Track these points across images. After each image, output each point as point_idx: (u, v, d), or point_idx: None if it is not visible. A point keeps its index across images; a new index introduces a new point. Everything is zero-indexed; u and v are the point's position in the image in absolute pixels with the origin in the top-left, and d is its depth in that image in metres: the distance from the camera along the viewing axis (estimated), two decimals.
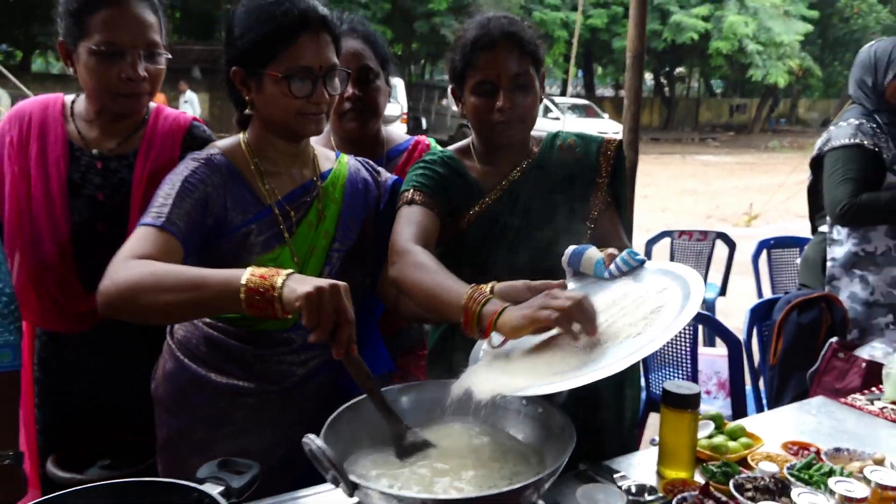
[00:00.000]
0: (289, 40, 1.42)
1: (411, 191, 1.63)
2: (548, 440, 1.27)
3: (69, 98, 1.78)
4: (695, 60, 28.37)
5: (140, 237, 1.36)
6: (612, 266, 1.42)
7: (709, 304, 4.53)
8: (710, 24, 23.04)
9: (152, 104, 1.81)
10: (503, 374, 1.22)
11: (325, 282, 1.17)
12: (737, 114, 33.93)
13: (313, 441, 1.09)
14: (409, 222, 1.56)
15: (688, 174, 16.48)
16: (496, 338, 1.29)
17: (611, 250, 1.44)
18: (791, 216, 10.70)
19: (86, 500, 1.04)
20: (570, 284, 1.42)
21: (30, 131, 1.70)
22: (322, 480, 1.23)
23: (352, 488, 1.07)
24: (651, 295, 1.29)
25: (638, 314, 1.26)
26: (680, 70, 31.59)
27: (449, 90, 1.74)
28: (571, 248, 1.43)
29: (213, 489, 1.05)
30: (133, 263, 1.30)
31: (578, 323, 1.20)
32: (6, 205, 1.70)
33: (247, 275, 1.21)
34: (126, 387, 1.79)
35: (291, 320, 1.50)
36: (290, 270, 1.22)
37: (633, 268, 1.42)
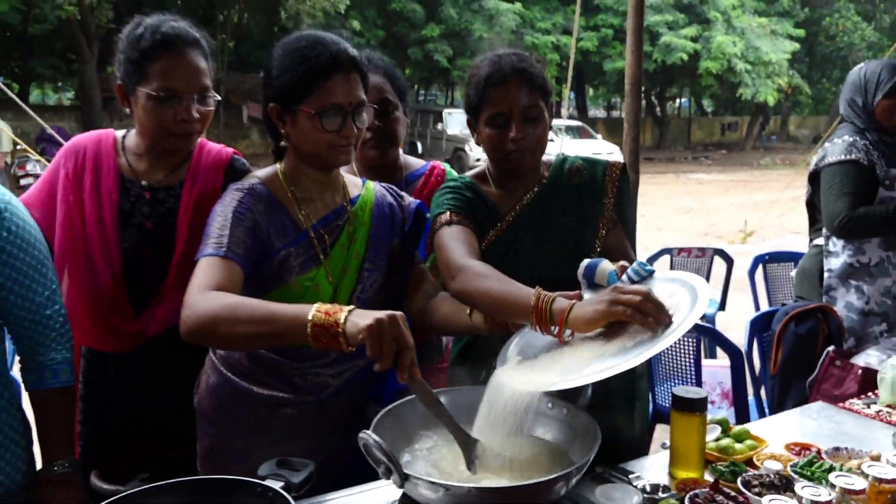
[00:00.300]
0: (321, 80, 1.56)
1: (448, 213, 1.75)
2: (574, 439, 1.37)
3: (120, 133, 1.91)
4: (685, 80, 28.76)
5: (207, 267, 1.48)
6: (624, 276, 1.54)
7: (709, 319, 4.64)
8: (699, 44, 23.42)
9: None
10: (534, 373, 1.33)
11: (383, 314, 1.27)
12: (728, 132, 34.29)
13: (370, 436, 1.19)
14: (455, 240, 1.69)
15: (682, 192, 16.68)
16: (566, 333, 1.40)
17: (622, 262, 1.57)
18: (786, 232, 10.86)
19: (158, 499, 1.14)
20: (586, 295, 1.54)
21: (84, 164, 1.83)
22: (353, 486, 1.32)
23: (403, 479, 1.17)
24: (662, 299, 1.40)
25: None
26: (671, 90, 31.98)
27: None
28: (586, 261, 1.56)
29: (276, 484, 1.15)
30: (210, 296, 1.41)
31: (649, 315, 1.31)
32: (57, 232, 1.82)
33: (313, 311, 1.31)
34: (164, 404, 1.89)
35: None
36: (353, 307, 1.32)
37: (644, 277, 1.54)
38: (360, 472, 1.57)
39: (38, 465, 1.62)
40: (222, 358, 1.70)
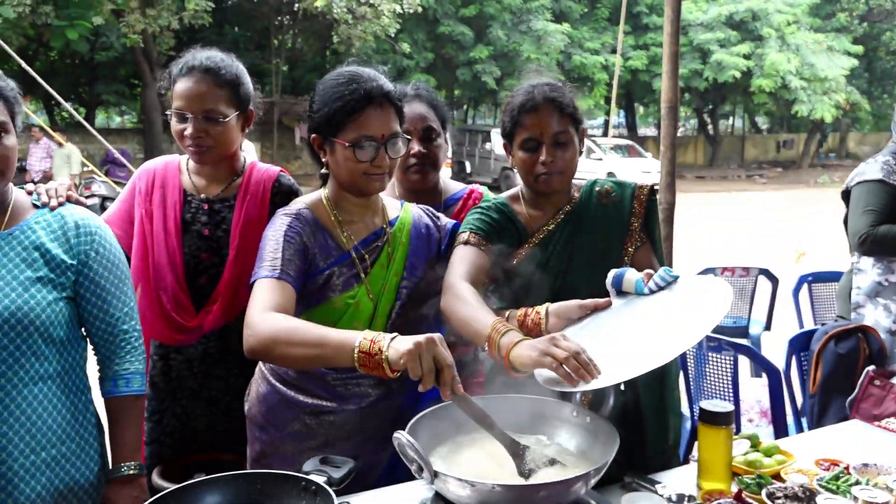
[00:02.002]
0: (355, 114, 1.69)
1: (467, 233, 1.87)
2: (594, 445, 1.45)
3: (184, 157, 2.16)
4: (738, 98, 28.32)
5: (265, 289, 1.62)
6: (650, 283, 1.63)
7: (754, 340, 4.61)
8: (752, 61, 23.08)
9: (248, 159, 2.17)
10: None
11: (422, 337, 1.38)
12: (784, 149, 33.51)
13: (403, 435, 1.30)
14: (461, 261, 1.81)
15: (734, 212, 16.39)
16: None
17: (648, 270, 1.66)
18: (843, 252, 10.57)
19: (215, 489, 1.27)
20: (616, 302, 1.63)
21: (154, 182, 2.11)
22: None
23: (433, 476, 1.27)
24: (687, 301, 1.47)
25: (676, 318, 1.45)
26: (724, 108, 31.50)
27: (501, 145, 1.99)
28: (613, 271, 1.65)
29: (319, 478, 1.27)
30: (269, 318, 1.54)
31: (573, 371, 1.42)
32: (135, 241, 2.07)
33: (360, 339, 1.43)
34: (215, 408, 2.10)
35: None
36: (395, 335, 1.43)
37: (669, 283, 1.62)
38: (399, 475, 1.68)
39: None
40: (271, 369, 1.83)
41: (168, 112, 2.03)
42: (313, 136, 1.77)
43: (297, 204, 1.81)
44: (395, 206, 1.93)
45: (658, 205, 3.09)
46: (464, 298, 1.67)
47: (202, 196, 2.10)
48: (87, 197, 12.71)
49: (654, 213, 1.96)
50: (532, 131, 1.85)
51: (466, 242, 1.85)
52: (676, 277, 1.63)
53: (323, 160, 1.78)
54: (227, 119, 2.01)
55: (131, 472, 1.66)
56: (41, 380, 1.56)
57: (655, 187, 2.01)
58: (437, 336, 1.40)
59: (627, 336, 1.43)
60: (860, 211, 2.81)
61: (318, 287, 1.73)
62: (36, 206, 1.67)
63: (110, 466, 1.69)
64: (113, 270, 1.69)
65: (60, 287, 1.60)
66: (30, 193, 1.70)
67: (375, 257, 1.80)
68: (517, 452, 1.44)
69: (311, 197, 1.85)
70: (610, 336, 1.48)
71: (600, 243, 1.91)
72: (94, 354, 1.74)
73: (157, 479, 1.95)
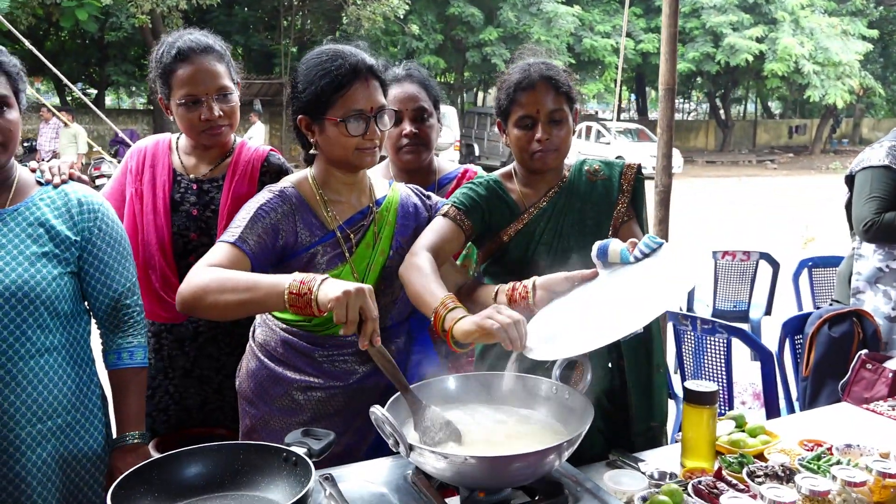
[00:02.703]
0: (343, 89, 1.69)
1: (449, 206, 1.89)
2: (570, 419, 1.48)
3: (175, 136, 2.16)
4: (750, 82, 28.06)
5: (216, 251, 1.65)
6: (635, 251, 1.64)
7: (754, 324, 4.62)
8: (765, 45, 22.82)
9: (238, 138, 2.17)
10: (550, 343, 1.48)
11: (352, 285, 1.41)
12: (797, 135, 33.21)
13: (379, 410, 1.33)
14: (433, 231, 1.83)
15: (744, 197, 16.30)
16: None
17: (632, 240, 1.68)
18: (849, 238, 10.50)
19: (198, 458, 1.30)
20: (602, 272, 1.64)
21: (144, 161, 2.11)
22: None
23: (408, 449, 1.29)
24: (669, 267, 1.52)
25: (658, 285, 1.48)
26: (736, 92, 31.20)
27: (495, 124, 1.99)
28: (598, 243, 1.66)
29: (300, 450, 1.30)
30: (204, 270, 1.58)
31: (510, 337, 1.44)
32: (125, 220, 2.09)
33: (290, 280, 1.48)
34: (206, 385, 2.14)
35: None
36: (326, 276, 1.47)
37: (654, 249, 1.64)
38: (387, 451, 1.71)
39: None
40: (260, 345, 1.86)
41: (166, 100, 2.01)
42: (300, 117, 1.77)
43: (284, 182, 1.82)
44: (384, 186, 1.94)
45: (655, 188, 3.12)
46: (421, 268, 1.69)
47: (191, 176, 2.10)
48: (96, 177, 12.84)
49: (640, 191, 1.99)
50: (528, 109, 1.86)
51: (445, 215, 1.87)
52: (661, 244, 1.65)
53: (311, 140, 1.78)
54: (235, 93, 2.02)
55: (135, 440, 1.72)
56: (46, 351, 1.60)
57: (643, 167, 2.03)
58: (367, 287, 1.42)
59: (610, 305, 1.45)
60: (865, 197, 2.79)
61: (302, 265, 1.74)
62: (40, 184, 1.70)
63: (115, 436, 1.74)
64: (115, 246, 1.73)
65: (65, 262, 1.63)
66: (33, 171, 1.73)
67: (361, 237, 1.81)
68: (417, 409, 1.49)
69: (297, 175, 1.86)
70: (594, 305, 1.50)
71: (590, 220, 1.93)
72: (98, 328, 1.78)
73: (151, 450, 1.98)
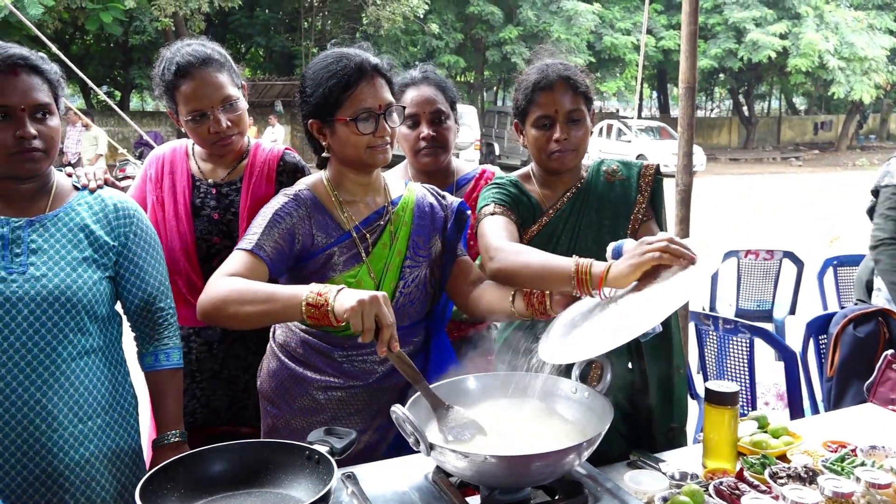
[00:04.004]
0: (350, 89, 1.70)
1: (491, 205, 1.89)
2: (590, 419, 1.48)
3: (190, 142, 2.18)
4: (774, 78, 27.71)
5: (233, 259, 1.67)
6: None
7: (778, 323, 4.57)
8: (788, 41, 22.52)
9: (253, 140, 2.18)
10: (568, 345, 1.47)
11: (366, 294, 1.42)
12: (822, 131, 32.72)
13: (400, 409, 1.35)
14: (495, 227, 1.82)
15: (768, 195, 16.11)
16: (607, 291, 1.51)
17: (647, 238, 1.65)
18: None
19: (223, 456, 1.34)
20: None
21: (163, 168, 2.14)
22: None
23: (429, 448, 1.31)
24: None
25: (672, 284, 1.46)
26: (759, 88, 30.81)
27: (512, 125, 2.00)
28: (612, 244, 1.65)
29: (322, 448, 1.33)
30: (223, 280, 1.59)
31: (676, 254, 1.42)
32: None
33: (307, 292, 1.48)
34: (234, 387, 2.16)
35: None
36: (342, 287, 1.48)
37: None
38: (407, 451, 1.72)
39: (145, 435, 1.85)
40: (280, 346, 1.88)
41: (175, 115, 2.02)
42: (311, 121, 1.78)
43: (299, 185, 1.83)
44: (399, 186, 1.94)
45: (676, 186, 3.10)
46: (525, 251, 1.67)
47: (209, 181, 2.12)
48: (121, 179, 13.04)
49: (659, 192, 1.98)
50: (546, 109, 1.86)
51: (493, 213, 1.87)
52: None
53: (323, 144, 1.80)
54: (240, 99, 2.03)
55: (176, 439, 1.75)
56: (87, 354, 1.64)
57: (665, 165, 2.02)
58: (382, 294, 1.43)
59: (626, 305, 1.44)
60: (884, 214, 2.81)
61: (319, 266, 1.76)
62: (76, 189, 1.73)
63: (155, 436, 1.78)
64: (149, 250, 1.77)
65: (103, 267, 1.67)
66: (69, 175, 1.77)
67: (377, 237, 1.82)
68: (440, 410, 1.49)
69: (312, 178, 1.87)
70: (610, 306, 1.49)
71: (608, 221, 1.93)
72: (132, 331, 1.81)
73: None
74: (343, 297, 1.44)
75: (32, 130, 1.55)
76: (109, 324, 1.72)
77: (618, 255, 1.65)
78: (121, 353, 1.77)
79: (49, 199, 1.67)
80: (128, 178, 11.42)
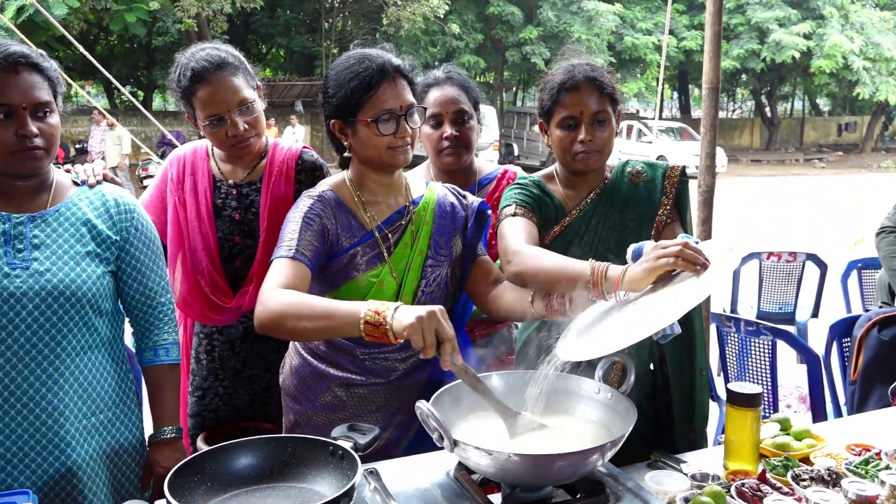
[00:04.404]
0: (372, 90, 1.71)
1: (513, 206, 1.89)
2: (614, 420, 1.48)
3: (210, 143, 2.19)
4: (797, 79, 27.39)
5: (279, 268, 1.67)
6: None
7: (801, 326, 4.53)
8: (812, 41, 22.25)
9: (271, 140, 2.20)
10: (584, 343, 1.48)
11: (424, 310, 1.42)
12: (846, 133, 32.27)
13: (425, 405, 1.35)
14: (515, 229, 1.83)
15: (791, 197, 15.93)
16: (621, 294, 1.52)
17: (666, 241, 1.64)
18: None
19: (248, 450, 1.36)
20: None
21: (184, 169, 2.16)
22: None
23: (453, 444, 1.32)
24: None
25: (691, 284, 1.45)
26: (782, 89, 30.46)
27: (537, 125, 2.00)
28: (632, 246, 1.65)
29: (346, 444, 1.35)
30: (279, 294, 1.59)
31: (689, 259, 1.42)
32: (169, 226, 2.13)
33: (365, 309, 1.48)
34: (256, 385, 2.20)
35: None
36: (399, 304, 1.48)
37: None
38: (428, 447, 1.74)
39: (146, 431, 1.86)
40: (303, 343, 1.89)
41: (193, 119, 2.04)
42: (333, 121, 1.79)
43: (322, 186, 1.85)
44: (420, 186, 1.95)
45: (698, 188, 3.09)
46: (541, 255, 1.68)
47: (230, 182, 2.13)
48: (144, 178, 13.21)
49: (684, 193, 1.96)
50: (572, 110, 1.86)
51: (514, 215, 1.87)
52: (696, 244, 1.63)
53: (345, 144, 1.81)
54: (256, 101, 2.04)
55: (172, 435, 1.76)
56: (91, 349, 1.65)
57: (686, 167, 2.01)
58: (439, 309, 1.43)
59: (644, 305, 1.44)
60: None
61: (343, 266, 1.77)
62: (76, 184, 1.73)
63: (152, 431, 1.79)
64: (150, 246, 1.78)
65: (106, 261, 1.68)
66: (68, 172, 1.77)
67: (399, 237, 1.83)
68: (509, 418, 1.50)
69: (335, 178, 1.89)
70: (629, 306, 1.49)
71: (631, 222, 1.92)
72: (132, 326, 1.83)
73: (200, 444, 2.05)
74: (401, 315, 1.44)
75: (34, 129, 1.56)
76: (113, 319, 1.73)
77: (637, 256, 1.65)
78: (124, 349, 1.79)
79: (49, 196, 1.67)
80: (150, 176, 11.57)
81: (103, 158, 12.26)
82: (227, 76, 1.98)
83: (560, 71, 1.91)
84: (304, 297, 1.59)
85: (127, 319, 1.83)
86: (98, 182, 1.75)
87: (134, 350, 1.85)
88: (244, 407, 2.20)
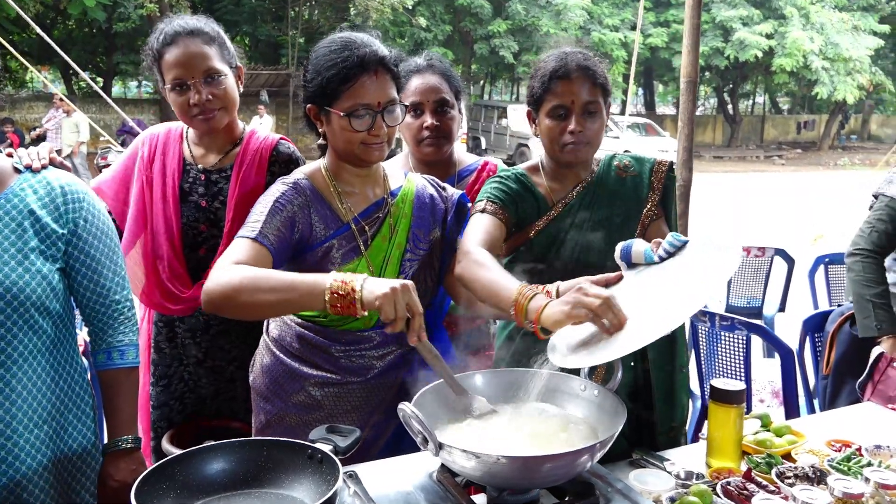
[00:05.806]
0: (349, 82, 1.63)
1: (484, 201, 1.84)
2: (601, 418, 1.44)
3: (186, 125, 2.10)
4: (759, 77, 27.87)
5: (237, 247, 1.59)
6: (659, 251, 1.58)
7: (768, 320, 4.58)
8: (774, 40, 22.64)
9: (248, 128, 2.10)
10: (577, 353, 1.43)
11: (396, 282, 1.39)
12: (805, 131, 32.95)
13: (408, 407, 1.29)
14: (477, 228, 1.78)
15: (751, 192, 16.22)
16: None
17: (657, 239, 1.61)
18: None
19: (221, 455, 1.28)
20: (627, 274, 1.59)
21: (155, 149, 2.06)
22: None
23: (438, 447, 1.26)
24: (697, 265, 1.46)
25: (686, 283, 1.42)
26: (744, 87, 30.98)
27: (525, 113, 1.94)
28: (621, 244, 1.61)
29: (325, 447, 1.27)
30: (233, 268, 1.51)
31: (606, 319, 1.36)
32: (132, 206, 2.04)
33: (330, 279, 1.43)
34: (220, 376, 2.10)
35: (372, 321, 1.73)
36: (366, 275, 1.43)
37: (679, 248, 1.57)
38: (405, 447, 1.68)
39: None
40: (275, 340, 1.82)
41: (163, 88, 1.95)
42: (309, 105, 1.72)
43: (297, 174, 1.77)
44: (399, 177, 1.89)
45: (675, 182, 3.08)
46: (485, 264, 1.63)
47: (199, 166, 2.04)
48: (103, 166, 12.83)
49: (671, 190, 1.93)
50: (562, 99, 1.81)
51: (483, 211, 1.82)
52: (685, 242, 1.59)
53: (320, 130, 1.74)
54: (227, 76, 1.96)
55: (128, 445, 1.62)
56: (39, 353, 1.49)
57: (674, 164, 1.98)
58: (410, 283, 1.39)
59: (638, 307, 1.40)
60: (869, 223, 2.66)
61: (318, 260, 1.70)
62: (17, 171, 1.54)
63: (106, 439, 1.64)
64: (103, 239, 1.60)
65: (52, 258, 1.51)
66: (10, 156, 1.57)
67: (376, 229, 1.76)
68: (466, 400, 1.49)
69: (311, 167, 1.81)
70: (623, 308, 1.45)
71: (617, 217, 1.88)
72: (86, 326, 1.67)
73: (166, 444, 1.96)
74: (372, 285, 1.39)
75: None
76: (63, 319, 1.56)
77: (626, 255, 1.61)
78: (76, 349, 1.63)
79: None
80: (109, 165, 11.25)
81: (60, 147, 11.88)
82: (199, 43, 1.92)
83: (552, 58, 1.85)
84: (262, 270, 1.52)
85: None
86: (44, 166, 1.56)
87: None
88: (209, 397, 2.11)
